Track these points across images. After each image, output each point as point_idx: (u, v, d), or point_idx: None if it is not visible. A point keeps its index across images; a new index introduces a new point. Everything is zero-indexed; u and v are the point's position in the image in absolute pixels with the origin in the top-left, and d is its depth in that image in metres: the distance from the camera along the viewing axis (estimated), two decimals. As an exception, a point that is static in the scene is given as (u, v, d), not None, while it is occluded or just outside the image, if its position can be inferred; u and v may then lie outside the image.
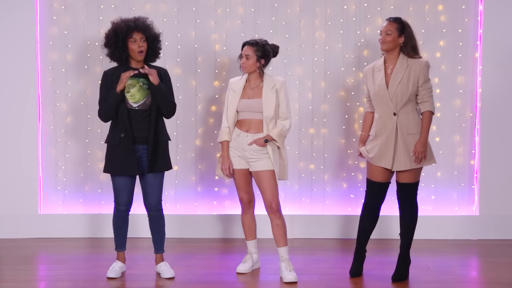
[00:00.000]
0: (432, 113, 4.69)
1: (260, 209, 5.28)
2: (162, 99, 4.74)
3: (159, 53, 4.89)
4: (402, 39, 4.68)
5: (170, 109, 4.82)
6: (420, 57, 4.72)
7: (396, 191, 4.78)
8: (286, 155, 4.89)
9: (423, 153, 4.63)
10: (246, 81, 4.88)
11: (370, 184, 4.80)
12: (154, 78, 4.67)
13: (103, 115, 4.77)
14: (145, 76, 4.76)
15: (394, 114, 4.67)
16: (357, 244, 4.92)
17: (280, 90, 4.80)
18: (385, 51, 4.73)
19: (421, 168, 4.73)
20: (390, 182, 4.81)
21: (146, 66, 4.71)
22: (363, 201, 4.89)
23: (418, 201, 5.06)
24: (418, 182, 4.76)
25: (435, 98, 5.99)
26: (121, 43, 4.70)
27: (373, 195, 4.81)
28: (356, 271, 4.88)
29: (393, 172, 4.75)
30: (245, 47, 4.81)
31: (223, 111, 4.96)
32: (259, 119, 4.81)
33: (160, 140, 4.80)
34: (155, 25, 4.86)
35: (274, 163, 4.76)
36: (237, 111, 4.85)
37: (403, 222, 4.79)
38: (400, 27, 4.67)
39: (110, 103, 4.71)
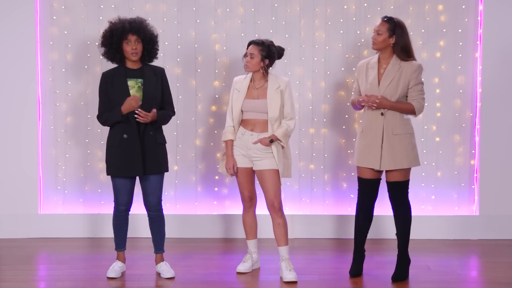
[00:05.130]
0: (414, 109, 4.67)
1: (261, 209, 5.27)
2: (163, 122, 4.83)
3: (156, 54, 4.89)
4: (393, 39, 4.67)
5: (169, 120, 4.89)
6: (414, 60, 4.71)
7: (387, 190, 4.79)
8: (290, 153, 4.89)
9: (377, 102, 4.60)
10: (251, 80, 4.89)
11: (361, 181, 4.82)
12: (145, 120, 4.67)
13: (103, 123, 4.81)
14: (143, 77, 4.77)
15: (382, 114, 4.68)
16: (355, 244, 4.92)
17: (285, 91, 4.80)
18: (375, 50, 4.75)
19: (409, 168, 4.73)
20: (380, 179, 4.82)
21: (139, 112, 4.67)
22: (356, 200, 4.90)
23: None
24: (408, 181, 4.76)
25: (435, 97, 6.02)
26: (115, 44, 4.71)
27: (365, 193, 4.83)
28: (356, 271, 4.88)
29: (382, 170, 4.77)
30: (251, 46, 4.81)
31: (227, 110, 4.96)
32: (264, 119, 4.81)
33: (158, 142, 4.80)
34: (153, 26, 4.85)
35: (278, 162, 4.76)
36: (242, 111, 4.86)
37: (397, 222, 4.80)
38: (392, 27, 4.66)
39: (113, 119, 4.72)
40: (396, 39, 4.67)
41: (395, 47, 4.68)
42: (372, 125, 4.71)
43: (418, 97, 4.69)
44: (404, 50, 4.68)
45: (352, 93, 4.97)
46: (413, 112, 4.69)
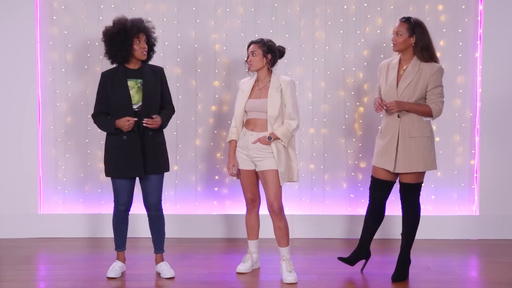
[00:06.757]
0: (431, 111, 4.61)
1: (262, 209, 5.27)
2: (167, 124, 4.87)
3: (153, 55, 4.94)
4: (413, 39, 4.60)
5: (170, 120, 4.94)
6: (434, 62, 4.62)
7: (399, 191, 4.78)
8: (295, 156, 4.86)
9: (393, 106, 4.55)
10: (256, 81, 4.89)
11: (374, 181, 4.80)
12: (155, 125, 4.72)
13: (97, 126, 4.84)
14: (143, 77, 4.77)
15: (398, 116, 4.65)
16: (359, 241, 4.92)
17: (286, 90, 4.77)
18: (397, 52, 4.69)
19: (423, 171, 4.71)
20: (395, 182, 4.80)
21: (147, 121, 4.70)
22: (368, 199, 4.89)
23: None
24: (421, 183, 4.74)
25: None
26: (127, 43, 4.70)
27: (376, 192, 4.81)
28: (351, 256, 4.88)
29: (397, 173, 4.75)
30: (251, 46, 4.82)
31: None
32: (264, 118, 4.80)
33: (157, 142, 4.80)
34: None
35: (279, 163, 4.74)
36: (246, 111, 4.86)
37: (404, 222, 4.78)
38: (411, 27, 4.59)
39: (104, 128, 4.78)
40: (416, 39, 4.59)
41: (416, 47, 4.60)
42: (390, 127, 4.68)
43: (437, 100, 4.62)
44: (425, 50, 4.60)
45: (376, 91, 4.92)
46: (430, 114, 4.63)
